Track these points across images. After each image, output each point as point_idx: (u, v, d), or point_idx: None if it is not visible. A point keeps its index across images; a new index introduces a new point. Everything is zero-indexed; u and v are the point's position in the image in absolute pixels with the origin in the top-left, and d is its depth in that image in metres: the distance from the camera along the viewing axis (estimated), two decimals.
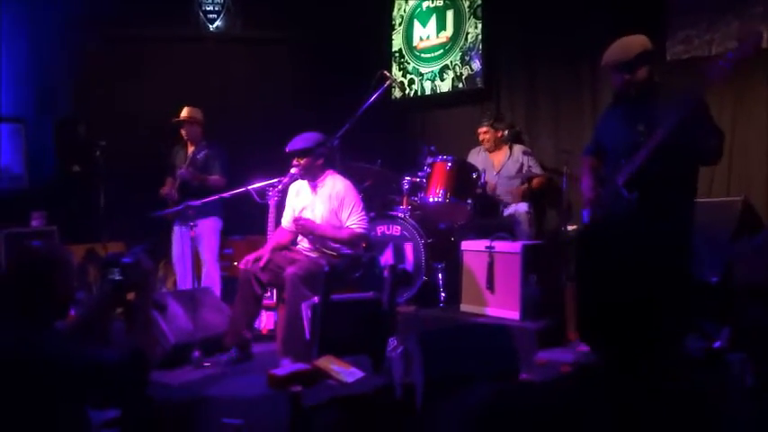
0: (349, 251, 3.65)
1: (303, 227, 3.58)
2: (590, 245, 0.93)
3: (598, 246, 0.92)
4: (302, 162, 3.61)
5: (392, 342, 3.36)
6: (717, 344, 2.60)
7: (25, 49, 5.30)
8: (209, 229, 4.58)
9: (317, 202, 3.67)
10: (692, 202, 2.73)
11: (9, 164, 5.23)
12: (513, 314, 3.79)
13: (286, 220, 3.82)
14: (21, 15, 5.29)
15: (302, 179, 3.74)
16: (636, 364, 0.86)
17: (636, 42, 2.65)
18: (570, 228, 4.35)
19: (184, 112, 4.68)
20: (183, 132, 4.68)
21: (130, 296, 1.85)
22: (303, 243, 3.74)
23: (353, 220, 3.61)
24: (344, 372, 2.87)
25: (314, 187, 3.71)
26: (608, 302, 0.88)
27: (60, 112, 5.48)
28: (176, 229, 4.65)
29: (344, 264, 3.59)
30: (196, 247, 4.44)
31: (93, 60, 5.48)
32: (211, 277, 4.60)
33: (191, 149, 4.67)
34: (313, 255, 3.63)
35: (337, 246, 3.63)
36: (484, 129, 4.81)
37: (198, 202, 3.91)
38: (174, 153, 4.76)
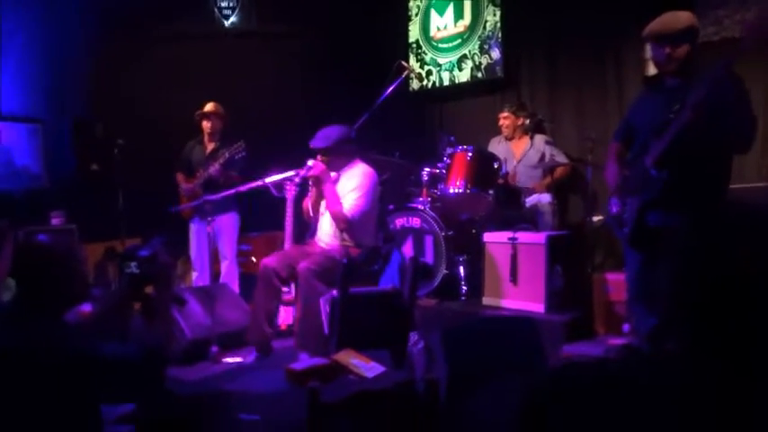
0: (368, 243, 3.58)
1: (319, 169, 3.48)
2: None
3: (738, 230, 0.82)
4: (325, 159, 3.57)
5: (413, 337, 3.29)
6: None
7: (42, 49, 5.30)
8: (228, 224, 4.54)
9: (340, 188, 3.63)
10: (725, 185, 2.60)
11: (28, 164, 5.22)
12: (537, 307, 3.68)
13: None
14: (37, 15, 5.28)
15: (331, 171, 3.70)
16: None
17: (683, 17, 2.54)
18: (596, 218, 4.23)
19: (210, 106, 4.61)
20: (208, 126, 4.59)
21: (149, 290, 1.81)
22: (321, 234, 3.67)
23: (348, 201, 3.49)
24: (365, 366, 2.79)
25: (340, 176, 3.67)
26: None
27: (78, 111, 5.48)
28: (193, 226, 4.60)
29: (362, 256, 3.51)
30: (214, 243, 4.42)
31: (109, 59, 5.47)
32: (231, 274, 4.55)
33: (210, 145, 4.60)
34: (328, 247, 3.56)
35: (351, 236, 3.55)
36: (505, 114, 4.71)
37: (216, 197, 3.86)
38: (189, 149, 4.69)
